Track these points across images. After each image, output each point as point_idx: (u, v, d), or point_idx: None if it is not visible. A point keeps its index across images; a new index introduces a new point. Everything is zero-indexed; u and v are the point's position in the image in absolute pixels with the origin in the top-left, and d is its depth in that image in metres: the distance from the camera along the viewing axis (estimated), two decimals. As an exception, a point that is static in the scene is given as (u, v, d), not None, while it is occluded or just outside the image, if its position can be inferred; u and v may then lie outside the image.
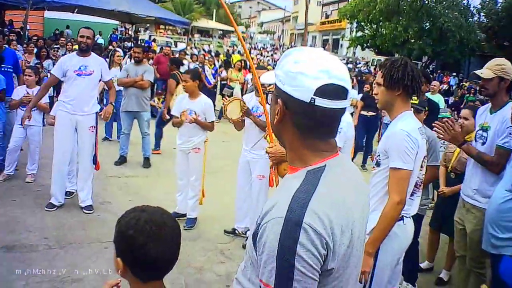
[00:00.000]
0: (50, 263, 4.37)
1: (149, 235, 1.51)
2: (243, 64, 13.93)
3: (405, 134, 2.66)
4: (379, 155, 2.84)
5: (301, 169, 1.39)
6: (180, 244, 1.59)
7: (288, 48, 48.53)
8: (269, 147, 2.93)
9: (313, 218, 1.22)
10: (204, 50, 27.56)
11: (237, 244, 5.22)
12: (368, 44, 31.66)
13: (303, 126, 1.37)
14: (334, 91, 1.31)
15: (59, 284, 4.04)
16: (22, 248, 4.62)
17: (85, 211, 5.61)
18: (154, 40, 29.22)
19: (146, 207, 1.62)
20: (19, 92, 6.41)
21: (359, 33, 32.61)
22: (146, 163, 7.98)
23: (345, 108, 1.36)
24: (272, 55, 36.01)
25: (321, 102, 1.30)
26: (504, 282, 3.11)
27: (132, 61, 8.18)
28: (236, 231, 5.38)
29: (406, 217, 2.84)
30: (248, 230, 5.18)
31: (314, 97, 1.29)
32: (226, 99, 4.91)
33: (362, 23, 31.13)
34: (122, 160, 7.92)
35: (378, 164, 2.84)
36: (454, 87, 24.83)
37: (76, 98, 5.46)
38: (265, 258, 1.25)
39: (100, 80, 5.73)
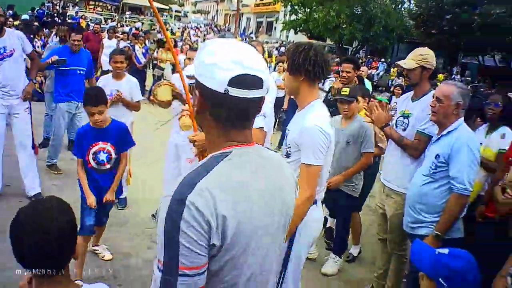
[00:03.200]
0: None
1: (23, 229, 1.50)
2: (172, 44, 13.61)
3: (318, 130, 2.66)
4: (289, 146, 2.82)
5: None
6: (66, 238, 1.56)
7: (222, 28, 48.27)
8: (194, 135, 2.99)
9: (196, 196, 1.29)
10: (135, 28, 26.69)
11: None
12: (301, 28, 31.94)
13: (219, 116, 1.42)
14: (248, 81, 1.37)
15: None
16: None
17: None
18: (82, 17, 27.96)
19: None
20: None
21: (293, 17, 32.83)
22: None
23: (261, 97, 1.42)
24: (205, 35, 35.55)
25: (235, 92, 1.35)
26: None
27: (57, 39, 7.74)
28: None
29: (318, 200, 2.91)
30: None
31: (228, 87, 1.34)
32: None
33: (296, 7, 31.35)
34: (46, 143, 7.53)
35: (288, 155, 2.83)
36: (382, 72, 25.63)
37: (4, 82, 5.10)
38: (158, 235, 1.33)
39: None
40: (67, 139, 7.26)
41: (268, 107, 3.53)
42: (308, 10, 30.60)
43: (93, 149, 3.82)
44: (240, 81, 1.35)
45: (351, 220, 4.88)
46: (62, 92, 6.31)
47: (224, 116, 1.41)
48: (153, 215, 5.28)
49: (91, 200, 3.77)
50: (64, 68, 6.20)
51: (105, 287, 1.69)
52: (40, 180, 5.52)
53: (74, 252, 1.60)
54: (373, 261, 4.85)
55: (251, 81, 1.37)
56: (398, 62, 3.94)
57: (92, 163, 3.84)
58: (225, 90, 1.35)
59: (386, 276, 4.11)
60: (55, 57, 6.12)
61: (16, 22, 14.56)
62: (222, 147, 1.44)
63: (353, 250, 5.07)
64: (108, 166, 3.89)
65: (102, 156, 3.85)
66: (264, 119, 3.40)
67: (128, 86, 5.31)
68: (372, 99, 4.88)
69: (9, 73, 5.08)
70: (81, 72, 6.38)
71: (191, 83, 4.29)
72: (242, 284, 1.44)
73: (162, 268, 1.31)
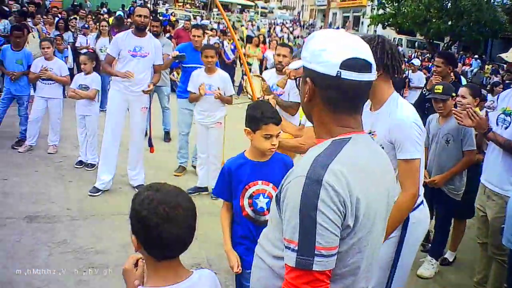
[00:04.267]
0: (73, 234, 4.42)
1: (162, 216, 1.49)
2: (261, 40, 13.74)
3: (411, 122, 2.52)
4: (382, 147, 2.56)
5: (327, 139, 1.47)
6: (194, 226, 1.57)
7: (308, 24, 47.97)
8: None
9: (332, 177, 1.31)
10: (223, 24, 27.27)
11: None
12: (389, 22, 31.06)
13: (331, 100, 1.45)
14: (358, 64, 1.40)
15: (83, 255, 4.08)
16: (45, 219, 4.67)
17: (137, 190, 5.44)
18: (172, 14, 29.01)
19: (161, 186, 1.59)
20: (37, 65, 6.40)
21: (380, 11, 32.01)
22: (167, 137, 8.02)
23: (371, 81, 1.45)
24: (292, 31, 35.54)
25: (347, 74, 1.39)
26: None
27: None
28: None
29: (424, 199, 2.78)
30: None
31: (340, 70, 1.38)
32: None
33: (384, 1, 30.55)
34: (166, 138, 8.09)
35: None
36: (475, 69, 24.34)
37: (128, 80, 5.28)
38: (288, 215, 1.35)
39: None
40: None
41: None
42: (396, 4, 29.69)
43: (250, 191, 2.76)
44: (352, 63, 1.38)
45: (457, 227, 4.70)
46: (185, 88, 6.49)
47: (336, 101, 1.44)
48: None
49: (233, 262, 2.74)
50: (188, 65, 6.29)
51: (211, 274, 1.72)
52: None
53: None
54: (471, 265, 4.64)
55: (361, 65, 1.40)
56: (501, 55, 3.76)
57: (248, 211, 2.76)
58: (337, 73, 1.38)
59: (486, 281, 3.92)
60: (175, 53, 6.35)
61: (111, 19, 15.37)
62: (337, 133, 1.47)
63: (448, 256, 4.87)
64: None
65: (262, 202, 2.76)
66: None
67: (221, 80, 5.44)
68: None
69: (135, 71, 5.27)
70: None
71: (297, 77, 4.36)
72: (363, 270, 1.45)
73: (296, 248, 1.32)
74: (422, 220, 2.74)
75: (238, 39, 15.64)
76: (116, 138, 5.45)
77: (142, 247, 1.55)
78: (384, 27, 32.12)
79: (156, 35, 7.67)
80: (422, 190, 2.73)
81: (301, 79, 1.58)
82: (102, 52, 8.44)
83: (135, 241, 1.55)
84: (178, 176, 6.21)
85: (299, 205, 1.32)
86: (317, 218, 1.29)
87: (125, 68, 5.26)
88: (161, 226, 1.49)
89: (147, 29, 5.51)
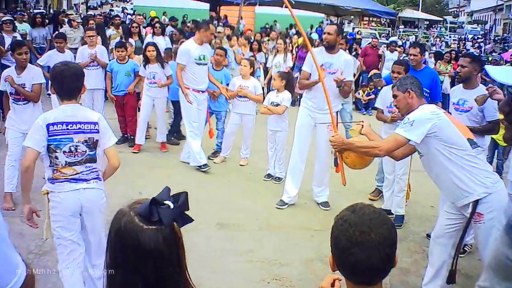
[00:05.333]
0: (260, 244, 4.59)
1: (350, 239, 1.44)
2: (453, 56, 12.87)
3: None
4: None
5: None
6: (390, 254, 1.48)
7: (501, 38, 43.89)
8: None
9: None
10: (408, 41, 26.41)
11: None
12: None
13: None
14: None
15: (267, 266, 4.21)
16: (234, 227, 4.95)
17: (322, 207, 5.55)
18: (358, 32, 29.01)
19: (360, 207, 1.53)
20: (235, 83, 6.84)
21: None
22: None
23: None
24: (483, 46, 32.81)
25: None
26: None
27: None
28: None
29: None
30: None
31: None
32: None
33: None
34: None
35: None
36: None
37: (317, 96, 5.28)
38: None
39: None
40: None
41: None
42: None
43: None
44: None
45: None
46: None
47: None
48: (428, 235, 5.03)
49: None
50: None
51: None
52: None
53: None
54: None
55: None
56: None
57: None
58: None
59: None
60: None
61: (300, 39, 15.87)
62: None
63: None
64: None
65: None
66: None
67: None
68: None
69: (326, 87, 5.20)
70: None
71: None
72: None
73: None
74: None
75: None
76: (302, 154, 5.55)
77: (336, 267, 1.53)
78: None
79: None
80: None
81: None
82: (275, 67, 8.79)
83: (331, 260, 1.53)
84: (372, 200, 5.96)
85: None
86: None
87: (316, 85, 5.30)
88: (349, 249, 1.45)
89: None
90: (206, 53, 6.45)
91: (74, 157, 3.14)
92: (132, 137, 7.36)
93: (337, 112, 5.40)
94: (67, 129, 3.10)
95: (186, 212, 1.41)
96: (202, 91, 6.50)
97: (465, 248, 4.77)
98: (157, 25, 10.61)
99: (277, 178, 6.29)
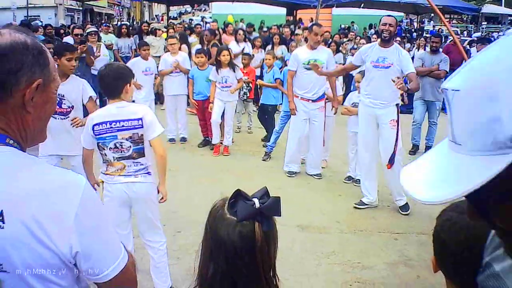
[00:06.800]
0: (342, 247, 4.53)
1: (461, 244, 1.34)
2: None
3: None
4: None
5: None
6: None
7: None
8: None
9: None
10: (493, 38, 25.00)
11: None
12: None
13: None
14: None
15: (350, 268, 4.15)
16: (315, 229, 4.91)
17: (402, 211, 5.30)
18: (439, 30, 27.93)
19: (464, 207, 1.43)
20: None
21: None
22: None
23: None
24: None
25: None
26: None
27: (428, 49, 8.09)
28: None
29: None
30: None
31: None
32: None
33: None
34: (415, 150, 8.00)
35: None
36: None
37: (372, 92, 5.25)
38: None
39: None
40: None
41: None
42: None
43: None
44: None
45: None
46: None
47: None
48: None
49: None
50: None
51: None
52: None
53: None
54: None
55: None
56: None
57: None
58: None
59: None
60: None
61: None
62: None
63: None
64: None
65: None
66: None
67: None
68: None
69: (376, 83, 5.20)
70: None
71: None
72: None
73: None
74: None
75: None
76: (372, 153, 5.42)
77: (441, 269, 1.45)
78: None
79: (435, 50, 8.16)
80: None
81: None
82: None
83: (434, 261, 1.45)
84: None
85: None
86: None
87: (369, 80, 5.25)
88: (460, 254, 1.35)
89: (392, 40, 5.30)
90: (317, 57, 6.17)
91: (121, 152, 3.36)
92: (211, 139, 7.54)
93: (396, 105, 5.28)
94: (111, 127, 3.31)
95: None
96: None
97: None
98: (240, 31, 10.78)
99: (357, 180, 6.18)
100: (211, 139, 7.49)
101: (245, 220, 1.35)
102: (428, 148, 7.83)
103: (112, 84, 3.35)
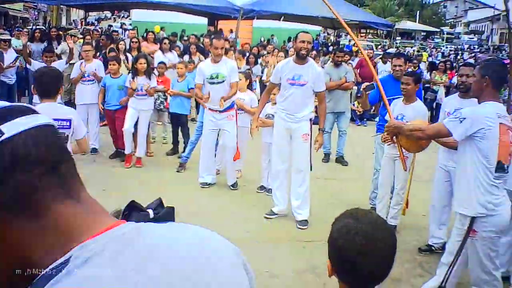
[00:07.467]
0: (251, 256, 4.54)
1: (357, 249, 1.43)
2: (448, 66, 13.00)
3: None
4: None
5: None
6: (392, 260, 1.48)
7: (495, 47, 44.21)
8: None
9: None
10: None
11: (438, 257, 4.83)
12: None
13: None
14: None
15: (258, 277, 4.20)
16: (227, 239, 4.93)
17: (299, 226, 5.36)
18: (354, 45, 29.09)
19: (362, 214, 1.53)
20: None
21: None
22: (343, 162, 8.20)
23: None
24: (474, 55, 32.94)
25: None
26: None
27: (331, 63, 8.56)
28: (433, 248, 4.99)
29: None
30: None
31: None
32: None
33: None
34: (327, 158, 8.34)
35: None
36: None
37: (288, 108, 5.34)
38: None
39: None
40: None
41: None
42: None
43: None
44: None
45: None
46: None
47: None
48: (420, 249, 5.04)
49: None
50: (390, 97, 6.20)
51: None
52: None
53: None
54: None
55: None
56: None
57: None
58: None
59: None
60: (365, 84, 6.49)
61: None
62: None
63: None
64: None
65: None
66: None
67: (415, 112, 5.07)
68: None
69: (292, 100, 5.29)
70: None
71: None
72: None
73: None
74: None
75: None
76: (285, 164, 5.55)
77: (335, 273, 1.53)
78: None
79: (339, 64, 8.33)
80: None
81: None
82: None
83: (329, 266, 1.53)
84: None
85: None
86: None
87: (285, 97, 5.33)
88: (356, 258, 1.45)
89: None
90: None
91: None
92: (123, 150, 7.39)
93: (310, 119, 5.46)
94: None
95: None
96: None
97: (432, 248, 4.94)
98: (166, 41, 10.66)
99: (270, 189, 6.30)
100: (124, 150, 7.35)
101: None
102: (339, 157, 8.22)
103: (50, 83, 3.65)
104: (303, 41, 5.17)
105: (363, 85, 6.44)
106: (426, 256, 4.88)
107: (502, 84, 3.62)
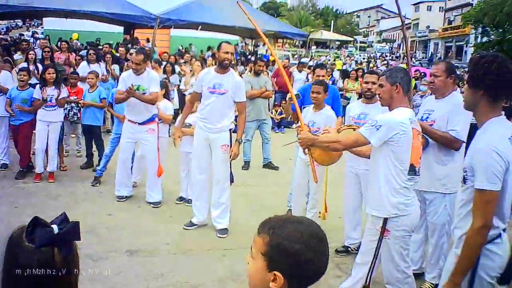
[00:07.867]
0: (171, 268, 4.53)
1: (315, 250, 1.46)
2: (359, 74, 13.62)
3: (491, 150, 2.38)
4: (465, 171, 2.55)
5: None
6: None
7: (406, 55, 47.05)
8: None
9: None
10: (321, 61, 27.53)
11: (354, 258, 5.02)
12: (495, 49, 29.38)
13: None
14: None
15: (179, 288, 4.17)
16: (145, 252, 4.85)
17: (219, 234, 5.39)
18: (271, 54, 29.61)
19: (296, 218, 1.55)
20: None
21: (484, 39, 30.50)
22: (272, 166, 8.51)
23: None
24: (387, 62, 34.83)
25: None
26: None
27: (249, 73, 8.67)
28: (349, 249, 5.20)
29: (503, 234, 2.56)
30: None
31: None
32: None
33: (488, 28, 29.04)
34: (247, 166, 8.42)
35: (464, 180, 2.56)
36: None
37: (208, 117, 5.35)
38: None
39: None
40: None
41: None
42: (501, 30, 28.11)
43: None
44: None
45: None
46: None
47: None
48: (337, 251, 5.22)
49: None
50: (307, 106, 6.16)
51: None
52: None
53: None
54: None
55: None
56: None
57: None
58: None
59: None
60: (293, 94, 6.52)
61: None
62: None
63: None
64: None
65: None
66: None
67: (325, 119, 5.26)
68: None
69: (212, 108, 5.30)
70: None
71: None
72: None
73: None
74: (498, 254, 2.53)
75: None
76: (205, 174, 5.54)
77: (286, 282, 1.47)
78: (490, 55, 30.38)
79: (259, 73, 8.63)
80: (501, 223, 2.53)
81: None
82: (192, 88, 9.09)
83: (280, 277, 1.46)
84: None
85: None
86: None
87: (205, 105, 5.34)
88: (314, 259, 1.46)
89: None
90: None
91: None
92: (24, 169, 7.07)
93: (230, 130, 5.51)
94: None
95: (75, 241, 1.43)
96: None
97: (349, 249, 5.15)
98: (91, 52, 10.21)
99: (189, 200, 6.24)
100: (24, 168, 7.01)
101: (44, 247, 1.34)
102: (268, 163, 8.43)
103: None
104: (227, 52, 5.23)
105: (289, 95, 6.58)
106: (342, 257, 5.06)
107: (409, 89, 3.77)
